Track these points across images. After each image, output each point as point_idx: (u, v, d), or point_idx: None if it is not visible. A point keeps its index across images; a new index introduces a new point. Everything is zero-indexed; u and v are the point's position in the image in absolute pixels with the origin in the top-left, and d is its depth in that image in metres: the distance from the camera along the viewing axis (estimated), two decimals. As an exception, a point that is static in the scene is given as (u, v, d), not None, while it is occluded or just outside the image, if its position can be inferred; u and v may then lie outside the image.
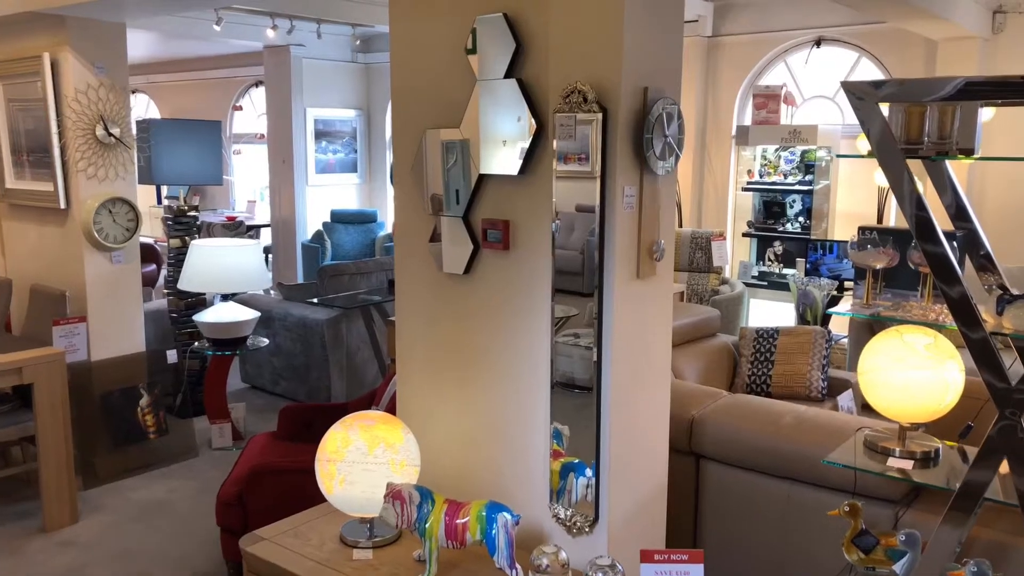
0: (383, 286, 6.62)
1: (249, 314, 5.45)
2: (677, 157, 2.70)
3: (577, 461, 2.79)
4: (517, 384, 2.89)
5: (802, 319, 5.40)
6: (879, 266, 2.39)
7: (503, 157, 2.80)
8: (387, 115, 11.02)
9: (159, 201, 11.83)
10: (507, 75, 2.75)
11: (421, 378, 3.20)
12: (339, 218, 10.45)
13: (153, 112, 13.66)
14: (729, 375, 5.04)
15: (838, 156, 5.81)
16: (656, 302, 2.81)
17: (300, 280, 10.49)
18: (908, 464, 2.41)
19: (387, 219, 11.03)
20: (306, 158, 10.59)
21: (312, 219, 10.67)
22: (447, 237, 3.02)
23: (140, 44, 10.71)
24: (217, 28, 7.56)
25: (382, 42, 10.46)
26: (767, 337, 5.00)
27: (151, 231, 11.95)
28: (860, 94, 2.25)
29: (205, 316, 5.37)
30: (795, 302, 5.46)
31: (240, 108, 12.42)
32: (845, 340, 5.85)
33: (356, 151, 11.27)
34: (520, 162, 2.75)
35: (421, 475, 2.93)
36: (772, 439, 3.15)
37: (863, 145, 6.38)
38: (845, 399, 4.65)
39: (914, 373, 2.38)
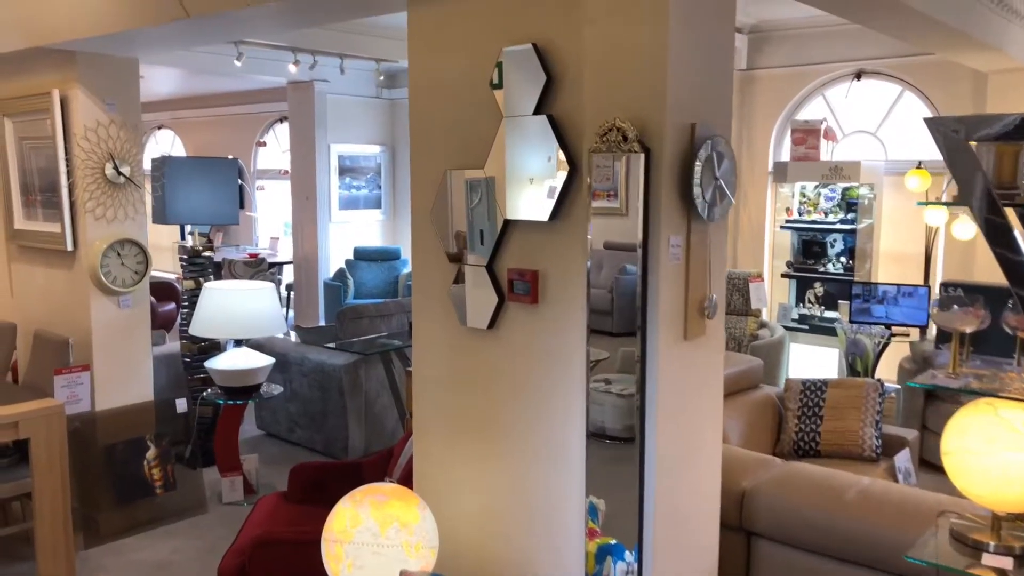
0: (404, 329, 6.34)
1: (263, 361, 5.18)
2: (729, 202, 2.40)
3: (615, 543, 2.46)
4: (547, 454, 2.57)
5: (851, 369, 5.04)
6: (968, 330, 2.06)
7: (531, 200, 2.52)
8: (407, 151, 10.83)
9: (183, 236, 11.72)
10: (537, 111, 2.48)
11: (440, 445, 2.89)
12: (362, 255, 10.22)
13: (179, 148, 13.63)
14: (774, 431, 4.67)
15: (919, 204, 5.46)
16: (706, 365, 2.49)
17: (322, 319, 10.26)
18: (1007, 562, 2.05)
19: (410, 257, 10.77)
20: (329, 194, 10.40)
21: (335, 256, 10.46)
22: (469, 288, 2.73)
23: (166, 80, 10.65)
24: (238, 63, 7.42)
25: (406, 77, 10.30)
26: (815, 390, 4.63)
27: (175, 267, 11.79)
28: (949, 131, 1.93)
29: (217, 363, 5.11)
30: (843, 351, 5.10)
31: (264, 144, 12.31)
32: (895, 390, 5.47)
33: (380, 187, 11.08)
34: (551, 206, 2.46)
35: (439, 557, 2.61)
36: (834, 517, 2.80)
37: (912, 182, 6.03)
38: (902, 460, 4.26)
39: (1012, 455, 2.03)
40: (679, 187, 2.27)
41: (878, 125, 7.39)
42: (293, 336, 7.21)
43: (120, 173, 4.63)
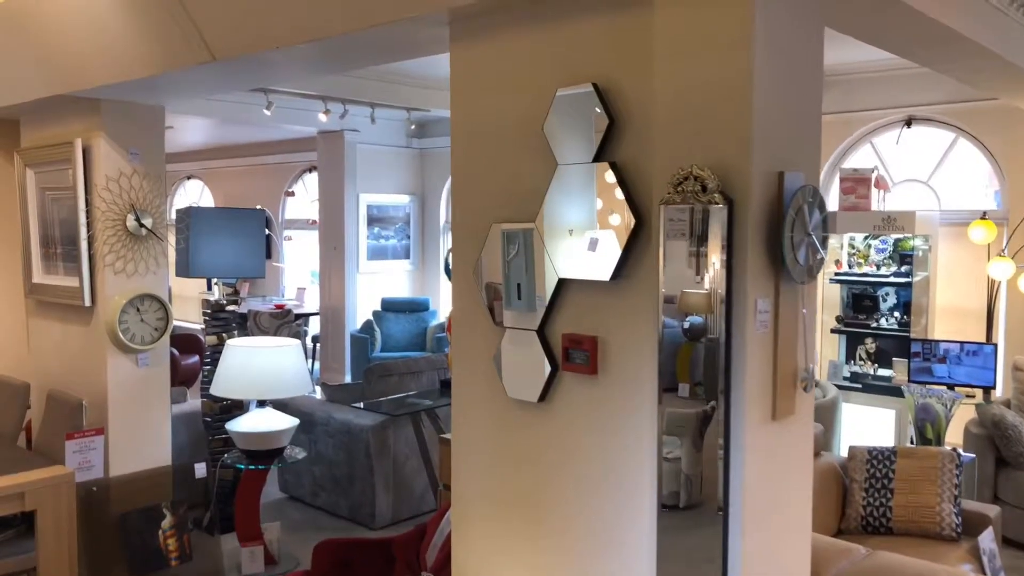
0: (434, 387, 6.04)
1: (287, 422, 4.89)
2: (822, 260, 2.09)
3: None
4: (607, 548, 2.23)
5: (921, 436, 4.66)
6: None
7: (590, 258, 2.23)
8: (442, 200, 10.66)
9: (209, 287, 11.57)
10: (597, 158, 2.20)
11: (482, 529, 2.57)
12: (390, 306, 9.98)
13: (207, 198, 13.58)
14: (838, 504, 4.28)
15: (999, 258, 5.12)
16: (797, 448, 2.16)
17: (348, 372, 9.99)
18: None
19: (440, 308, 10.53)
20: (358, 244, 10.22)
21: (362, 307, 10.24)
22: (517, 354, 2.43)
23: (195, 130, 10.61)
24: (267, 112, 7.29)
25: (438, 127, 10.16)
26: (883, 459, 4.25)
27: (200, 317, 11.63)
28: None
29: (239, 425, 4.82)
30: (912, 416, 4.73)
31: (292, 194, 12.21)
32: (969, 460, 5.05)
33: (409, 237, 10.89)
34: (612, 265, 2.17)
35: (483, 668, 2.27)
36: (937, 621, 2.42)
37: (976, 233, 5.68)
38: (987, 540, 3.85)
39: None
40: (767, 243, 1.97)
41: (930, 174, 7.06)
42: (318, 393, 6.93)
43: (142, 225, 4.42)
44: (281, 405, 5.75)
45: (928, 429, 4.66)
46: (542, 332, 2.37)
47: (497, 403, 2.50)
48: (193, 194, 13.94)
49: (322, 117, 7.65)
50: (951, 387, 5.61)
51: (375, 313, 10.03)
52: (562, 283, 2.31)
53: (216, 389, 4.81)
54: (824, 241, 2.07)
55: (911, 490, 4.13)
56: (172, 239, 5.39)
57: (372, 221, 10.64)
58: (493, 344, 2.50)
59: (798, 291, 2.07)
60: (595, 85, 2.18)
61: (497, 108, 2.46)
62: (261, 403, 5.03)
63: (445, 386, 5.69)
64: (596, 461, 2.25)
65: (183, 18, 3.21)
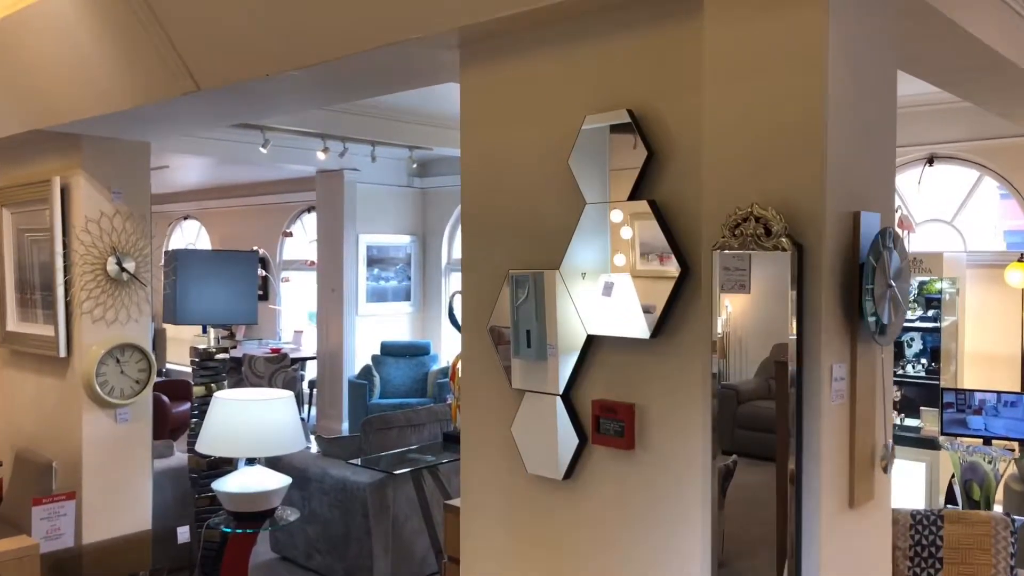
0: (436, 441, 5.66)
1: (279, 482, 4.51)
2: (903, 316, 1.76)
3: None
4: (649, 658, 1.88)
5: (968, 498, 4.30)
6: None
7: (625, 311, 1.91)
8: (443, 240, 10.37)
9: (204, 330, 11.23)
10: (633, 196, 1.89)
11: (498, 626, 2.21)
12: (389, 350, 9.63)
13: (204, 239, 13.31)
14: (882, 574, 3.90)
15: None
16: (875, 538, 1.81)
17: (345, 419, 9.60)
18: None
19: (440, 352, 10.18)
20: (357, 286, 9.90)
21: (361, 351, 9.89)
22: (539, 423, 2.10)
23: (192, 170, 10.37)
24: (263, 150, 7.01)
25: (440, 165, 9.91)
26: (928, 524, 3.87)
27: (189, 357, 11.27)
28: None
29: (226, 484, 4.44)
30: (958, 477, 4.37)
31: (290, 234, 11.94)
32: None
33: (410, 278, 10.58)
34: (653, 320, 1.84)
35: None
36: None
37: (1014, 276, 5.37)
38: (1051, 617, 3.47)
39: None
40: (842, 297, 1.65)
41: (954, 213, 6.77)
42: (313, 444, 6.56)
43: (123, 269, 4.10)
44: (273, 460, 5.39)
45: (975, 490, 4.30)
46: (568, 398, 2.04)
47: (515, 478, 2.16)
48: (190, 234, 13.67)
49: (321, 155, 7.39)
50: (987, 440, 5.25)
51: (374, 357, 9.68)
52: (592, 340, 1.99)
53: (202, 446, 4.45)
54: (906, 294, 1.75)
55: (963, 560, 3.75)
56: (161, 284, 5.08)
57: (372, 262, 10.35)
58: (510, 410, 2.17)
59: (877, 354, 1.74)
60: (630, 112, 1.88)
61: (514, 140, 2.16)
62: (251, 460, 4.67)
63: (448, 439, 5.32)
64: (632, 554, 1.90)
65: (166, 46, 2.93)
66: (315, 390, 10.21)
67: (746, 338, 1.68)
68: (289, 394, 4.65)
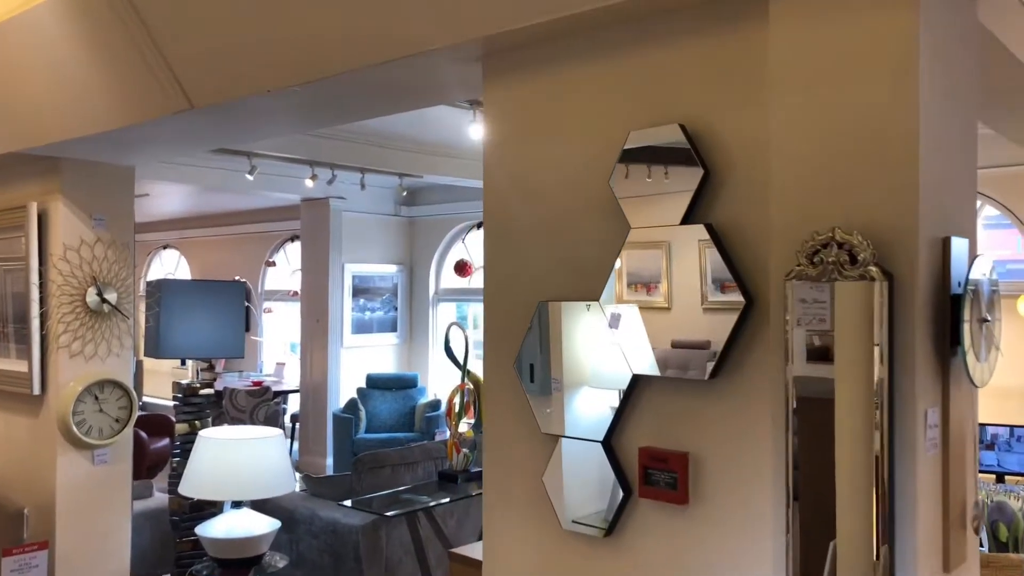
0: (431, 480, 5.41)
1: (267, 526, 4.24)
2: (996, 356, 1.58)
3: None
4: None
5: (995, 540, 4.12)
6: None
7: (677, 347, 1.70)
8: (431, 270, 10.17)
9: (183, 362, 10.92)
10: (687, 219, 1.70)
11: None
12: (375, 383, 9.36)
13: (184, 268, 13.01)
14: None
15: None
16: (965, 606, 1.61)
17: (330, 455, 9.30)
18: None
19: (428, 384, 9.93)
20: (342, 316, 9.66)
21: (346, 384, 9.62)
22: (577, 473, 1.89)
23: (173, 198, 10.12)
24: (250, 177, 6.79)
25: (428, 194, 9.74)
26: (958, 568, 3.68)
27: (171, 392, 10.96)
28: None
29: (211, 529, 4.17)
30: (982, 517, 4.19)
31: (273, 264, 11.68)
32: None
33: (396, 309, 10.35)
34: (714, 358, 1.64)
35: None
36: None
37: (1027, 308, 5.24)
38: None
39: None
40: (933, 333, 1.46)
41: (955, 243, 6.67)
42: (298, 481, 6.27)
43: (104, 300, 3.85)
44: (259, 502, 5.11)
45: (1003, 531, 4.11)
46: (609, 445, 1.83)
47: (547, 534, 1.93)
48: (169, 264, 13.37)
49: (309, 183, 7.18)
50: (1000, 477, 5.09)
51: (359, 390, 9.43)
52: (638, 381, 1.79)
53: (186, 488, 4.17)
54: (998, 330, 1.57)
55: (996, 607, 3.56)
56: (143, 316, 4.82)
57: (357, 292, 10.12)
58: (541, 457, 1.95)
59: (970, 398, 1.55)
60: (683, 127, 1.69)
61: (545, 159, 1.97)
62: (237, 503, 4.40)
63: (444, 479, 5.08)
64: (689, 619, 1.69)
65: (158, 61, 2.73)
66: (298, 424, 9.91)
67: (820, 379, 1.49)
68: (279, 432, 4.39)
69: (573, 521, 1.88)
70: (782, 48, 1.54)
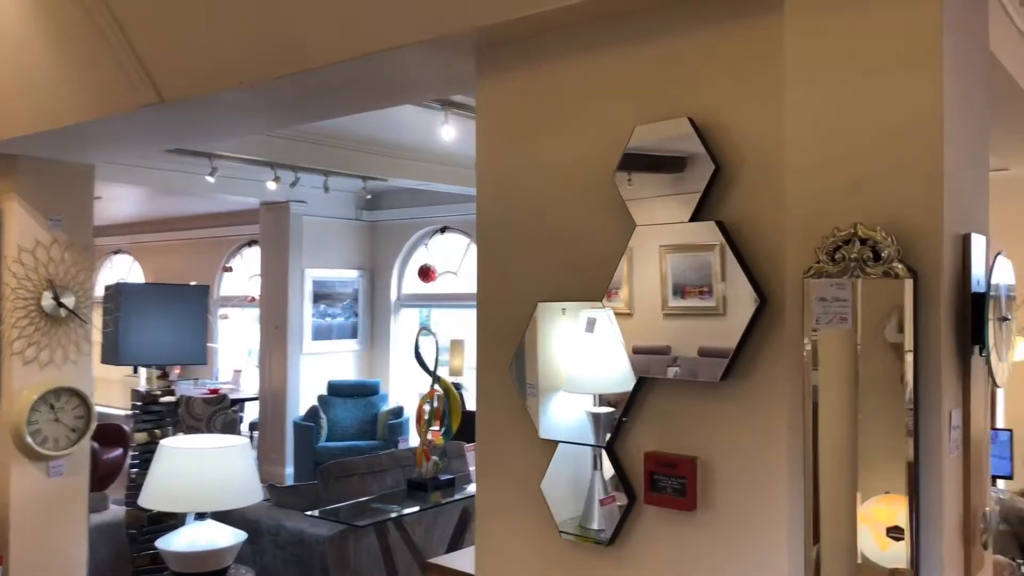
0: (400, 488, 5.29)
1: (232, 537, 4.08)
2: (1013, 356, 1.55)
3: None
4: None
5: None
6: None
7: (685, 349, 1.65)
8: (393, 275, 10.04)
9: (135, 370, 10.62)
10: (697, 216, 1.65)
11: None
12: (337, 390, 9.19)
13: (136, 274, 12.66)
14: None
15: None
16: (982, 612, 1.57)
17: (290, 463, 9.10)
18: None
19: (390, 391, 9.79)
20: (302, 323, 9.48)
21: (306, 391, 9.43)
22: (577, 480, 1.82)
23: (126, 201, 9.85)
24: (211, 179, 6.61)
25: (390, 198, 9.61)
26: None
27: (124, 400, 10.67)
28: None
29: (173, 542, 4.00)
30: (990, 530, 4.20)
31: (230, 269, 11.43)
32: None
33: (357, 315, 10.20)
34: (725, 360, 1.59)
35: None
36: None
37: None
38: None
39: None
40: (956, 332, 1.42)
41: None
42: (263, 495, 6.09)
43: (61, 305, 3.69)
44: (222, 512, 4.94)
45: None
46: (613, 450, 1.77)
47: (545, 544, 1.86)
48: (121, 270, 13.02)
49: (271, 185, 7.01)
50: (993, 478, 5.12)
51: (320, 398, 9.25)
52: (644, 384, 1.72)
53: (147, 500, 4.00)
54: (1012, 329, 1.54)
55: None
56: (98, 320, 4.63)
57: (317, 298, 9.95)
58: (538, 463, 1.88)
59: (988, 398, 1.52)
60: (691, 121, 1.64)
61: (544, 155, 1.90)
62: (200, 514, 4.24)
63: (413, 487, 4.97)
64: (700, 631, 1.63)
65: (126, 52, 2.60)
66: (256, 433, 9.69)
67: (837, 380, 1.44)
68: (244, 441, 4.24)
69: (573, 530, 1.81)
70: (799, 39, 1.49)
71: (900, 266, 1.36)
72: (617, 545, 1.76)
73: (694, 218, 1.64)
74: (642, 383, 1.73)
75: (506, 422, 1.96)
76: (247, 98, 2.52)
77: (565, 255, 1.86)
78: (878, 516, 1.38)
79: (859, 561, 1.39)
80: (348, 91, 2.40)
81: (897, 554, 1.35)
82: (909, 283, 1.35)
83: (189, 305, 4.85)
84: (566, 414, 1.83)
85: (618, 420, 1.75)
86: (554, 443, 1.86)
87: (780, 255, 1.54)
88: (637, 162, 1.72)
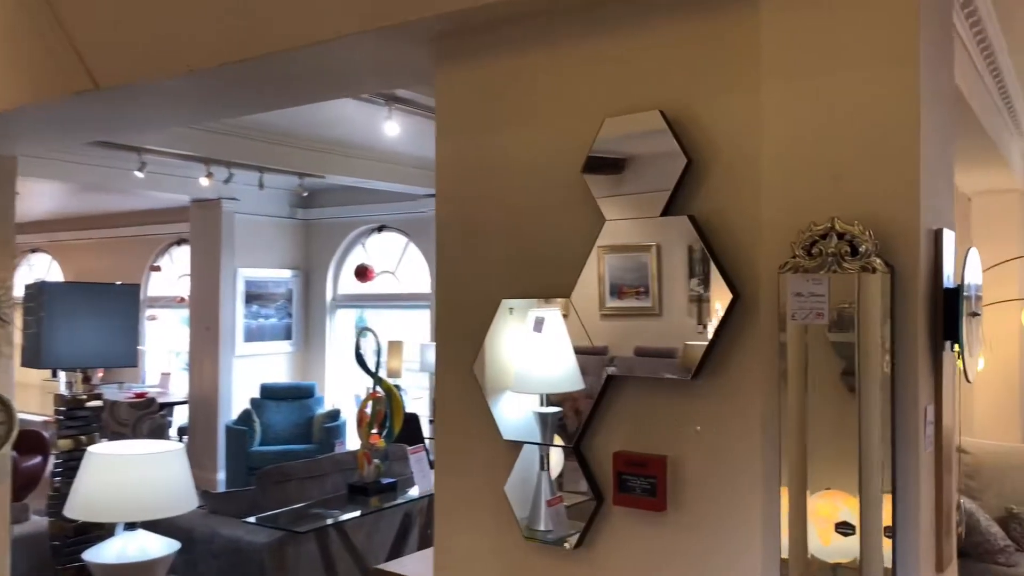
0: (341, 493, 5.16)
1: (165, 547, 3.92)
2: (979, 353, 1.56)
3: None
4: None
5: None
6: None
7: (653, 345, 1.62)
8: (328, 275, 9.86)
9: (55, 374, 10.17)
10: (668, 211, 1.61)
11: None
12: (270, 393, 8.97)
13: (56, 275, 12.14)
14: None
15: None
16: (951, 607, 1.58)
17: (222, 469, 8.84)
18: None
19: (326, 394, 9.60)
20: (234, 324, 9.22)
21: (238, 394, 9.18)
22: (536, 479, 1.77)
23: (45, 197, 9.43)
24: (140, 175, 6.35)
25: (325, 197, 9.42)
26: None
27: (43, 406, 10.22)
28: None
29: (101, 554, 3.81)
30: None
31: (158, 268, 11.05)
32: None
33: (291, 315, 9.97)
34: (698, 356, 1.56)
35: None
36: None
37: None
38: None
39: None
40: (930, 328, 1.42)
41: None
42: (195, 499, 5.88)
43: (-20, 304, 3.47)
44: (153, 522, 4.75)
45: None
46: (579, 450, 1.72)
47: (510, 548, 1.81)
48: (40, 270, 12.46)
49: (204, 181, 6.78)
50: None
51: (253, 401, 9.02)
52: (612, 381, 1.69)
53: (73, 510, 3.80)
54: (980, 326, 1.55)
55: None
56: (19, 321, 4.39)
57: (250, 298, 9.70)
58: (502, 465, 1.83)
59: (955, 394, 1.53)
60: (663, 114, 1.61)
61: (508, 148, 1.85)
62: (130, 524, 4.05)
63: (355, 491, 4.86)
64: (672, 634, 1.60)
65: (56, 34, 2.45)
66: (186, 437, 9.38)
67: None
68: (179, 446, 4.08)
69: (538, 533, 1.76)
70: (776, 33, 1.48)
71: (878, 260, 1.35)
72: (585, 547, 1.71)
73: (665, 212, 1.61)
74: (610, 381, 1.69)
75: (468, 423, 1.90)
76: (188, 86, 2.40)
77: (531, 251, 1.81)
78: (821, 512, 1.37)
79: (808, 556, 1.38)
80: (301, 80, 2.30)
81: (843, 549, 1.35)
82: (887, 278, 1.35)
83: (117, 305, 4.64)
84: (530, 415, 1.78)
85: (585, 419, 1.71)
86: (519, 444, 1.81)
87: (753, 250, 1.51)
88: (607, 156, 1.68)
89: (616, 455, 1.67)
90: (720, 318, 1.54)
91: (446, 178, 1.95)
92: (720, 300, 1.54)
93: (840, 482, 1.37)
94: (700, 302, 1.56)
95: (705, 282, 1.56)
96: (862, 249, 1.35)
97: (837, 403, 1.37)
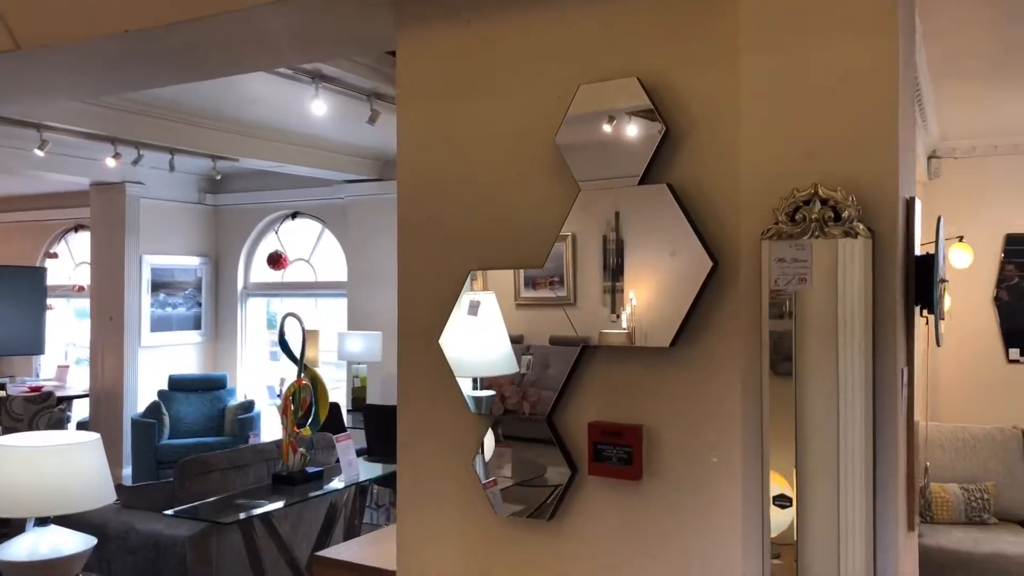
0: (265, 483, 5.00)
1: (80, 543, 3.72)
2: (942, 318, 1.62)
3: None
4: None
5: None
6: None
7: (633, 314, 1.61)
8: (239, 263, 9.55)
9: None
10: (645, 179, 1.61)
11: None
12: (179, 385, 8.63)
13: (-63, 261, 11.35)
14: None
15: None
16: (914, 564, 1.63)
17: (128, 464, 8.46)
18: None
19: (238, 385, 9.31)
20: (140, 314, 8.82)
21: (144, 386, 8.80)
22: (514, 453, 1.74)
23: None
24: (40, 153, 5.96)
25: (235, 181, 9.11)
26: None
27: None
28: None
29: (11, 551, 3.59)
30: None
31: (55, 256, 10.47)
32: None
33: (200, 304, 9.62)
34: (674, 325, 1.57)
35: None
36: None
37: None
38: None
39: None
40: (905, 293, 1.46)
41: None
42: (112, 492, 5.60)
43: None
44: (63, 517, 4.49)
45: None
46: (553, 421, 1.71)
47: (480, 524, 1.77)
48: (-82, 256, 11.64)
49: (111, 162, 6.44)
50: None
51: (161, 393, 8.67)
52: (586, 351, 1.67)
53: (-21, 507, 3.57)
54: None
55: None
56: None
57: (156, 287, 9.32)
58: (470, 438, 1.79)
59: (928, 359, 1.57)
60: (640, 81, 1.60)
61: (477, 115, 1.80)
62: (41, 520, 3.83)
63: (279, 481, 4.72)
64: (647, 602, 1.60)
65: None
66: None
67: (788, 342, 1.45)
68: (95, 437, 3.88)
69: (509, 507, 1.73)
70: (755, 3, 1.48)
71: (861, 226, 1.37)
72: (559, 518, 1.70)
73: (643, 181, 1.60)
74: (584, 351, 1.67)
75: (431, 398, 1.85)
76: (121, 49, 2.25)
77: (503, 221, 1.77)
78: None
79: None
80: (248, 42, 2.19)
81: (778, 522, 1.38)
82: (869, 243, 1.37)
83: (22, 289, 4.37)
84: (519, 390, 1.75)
85: (558, 391, 1.69)
86: (487, 416, 1.77)
87: (732, 218, 1.52)
88: (581, 123, 1.66)
89: (591, 425, 1.66)
90: (699, 285, 1.54)
91: (406, 149, 1.90)
92: (699, 268, 1.54)
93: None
94: (677, 270, 1.56)
95: (683, 250, 1.56)
96: (845, 215, 1.38)
97: (818, 367, 1.39)
